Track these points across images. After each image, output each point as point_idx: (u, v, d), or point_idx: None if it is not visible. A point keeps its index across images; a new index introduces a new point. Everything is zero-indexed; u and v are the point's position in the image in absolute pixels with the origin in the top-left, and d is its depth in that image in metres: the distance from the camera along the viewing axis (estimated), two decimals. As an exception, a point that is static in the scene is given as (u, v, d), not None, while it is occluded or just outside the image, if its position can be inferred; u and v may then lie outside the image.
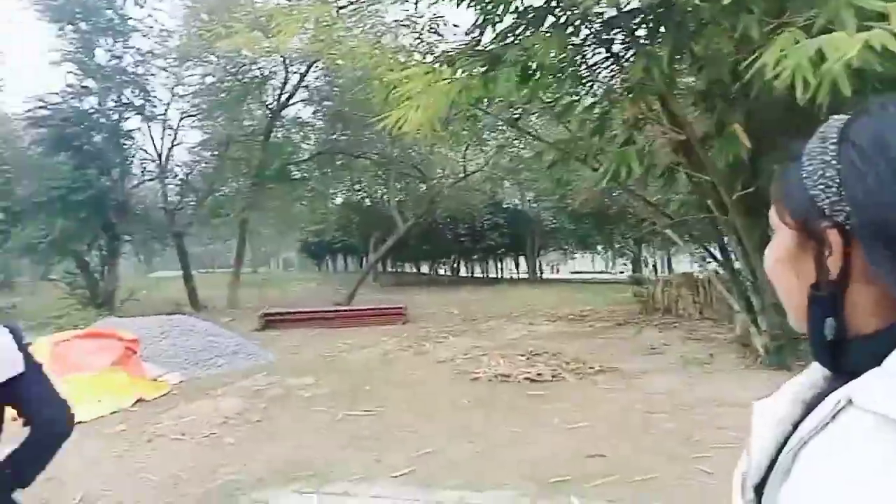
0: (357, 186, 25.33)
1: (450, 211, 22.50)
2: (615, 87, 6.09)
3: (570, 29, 5.41)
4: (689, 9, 4.47)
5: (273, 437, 5.59)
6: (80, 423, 6.13)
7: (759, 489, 0.65)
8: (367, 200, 26.21)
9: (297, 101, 19.40)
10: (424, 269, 40.75)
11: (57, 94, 17.42)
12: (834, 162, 0.58)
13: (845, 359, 0.60)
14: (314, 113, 20.14)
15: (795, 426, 0.63)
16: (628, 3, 6.12)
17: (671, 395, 6.37)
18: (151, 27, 18.07)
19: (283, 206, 22.79)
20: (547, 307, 15.68)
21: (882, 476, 0.49)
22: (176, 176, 20.39)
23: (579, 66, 6.09)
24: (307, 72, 18.01)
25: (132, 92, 18.65)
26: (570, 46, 5.48)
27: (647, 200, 7.15)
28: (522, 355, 8.51)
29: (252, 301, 19.51)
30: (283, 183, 19.79)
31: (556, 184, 13.49)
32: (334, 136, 19.70)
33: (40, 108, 17.04)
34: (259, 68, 17.77)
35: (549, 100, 6.83)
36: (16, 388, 1.51)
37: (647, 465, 4.42)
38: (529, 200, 29.66)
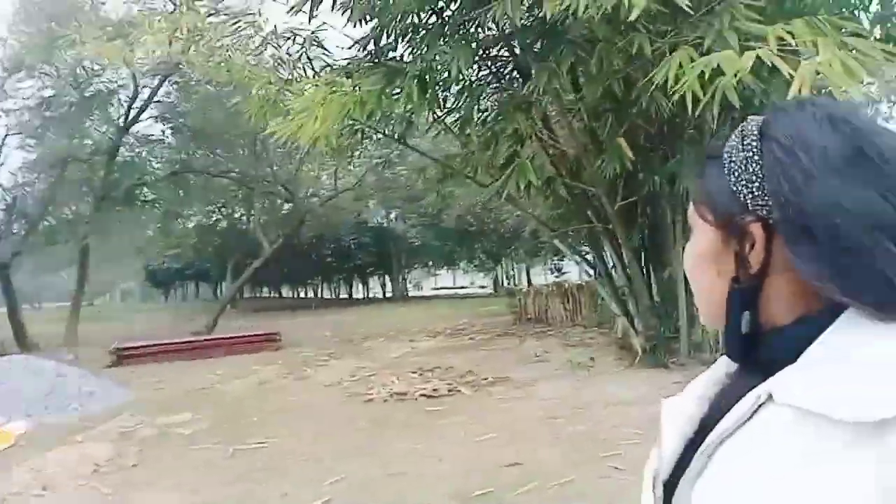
0: (210, 208, 23.87)
1: (316, 231, 21.91)
2: (505, 101, 6.25)
3: (465, 42, 5.49)
4: (586, 26, 4.71)
5: (157, 482, 5.01)
6: None
7: (669, 486, 0.65)
8: (223, 222, 24.77)
9: (149, 118, 17.94)
10: (285, 292, 39.34)
11: None
12: (756, 157, 0.60)
13: (758, 352, 0.62)
14: (166, 130, 18.72)
15: (702, 423, 0.65)
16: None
17: (564, 399, 6.59)
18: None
19: (131, 231, 20.88)
20: (421, 323, 15.71)
21: (801, 469, 0.51)
22: (13, 198, 17.86)
23: (467, 80, 6.20)
24: (160, 85, 16.73)
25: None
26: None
27: (532, 213, 7.41)
28: (414, 372, 8.42)
29: (93, 337, 17.53)
30: (131, 205, 18.11)
31: (439, 200, 13.62)
32: (189, 155, 18.41)
33: None
34: (104, 81, 16.20)
35: (440, 115, 6.88)
36: None
37: (562, 469, 4.50)
38: (395, 218, 29.73)
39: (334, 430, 6.16)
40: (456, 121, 6.87)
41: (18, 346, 16.56)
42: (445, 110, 6.98)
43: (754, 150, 0.60)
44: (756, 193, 0.59)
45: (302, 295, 37.36)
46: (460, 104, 6.54)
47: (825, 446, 0.50)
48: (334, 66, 7.68)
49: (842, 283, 0.54)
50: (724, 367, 0.69)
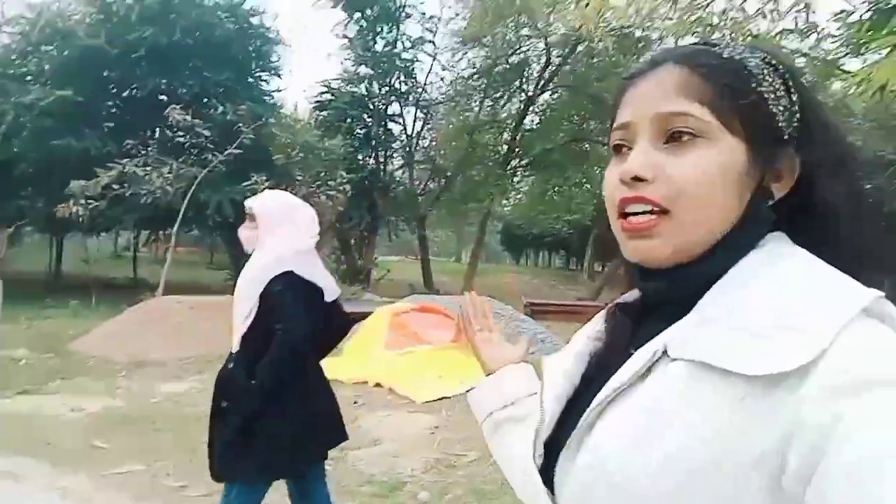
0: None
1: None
2: None
3: None
4: None
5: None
6: (429, 402, 5.67)
7: (551, 445, 0.63)
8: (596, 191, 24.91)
9: (553, 87, 18.79)
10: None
11: (339, 79, 18.53)
12: (790, 92, 0.58)
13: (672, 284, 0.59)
14: (563, 97, 19.38)
15: (585, 379, 0.65)
16: None
17: None
18: (424, 14, 18.61)
19: (531, 194, 22.45)
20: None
21: (697, 421, 0.50)
22: (432, 160, 20.77)
23: None
24: (570, 54, 17.30)
25: (398, 77, 19.37)
26: None
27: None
28: None
29: (483, 290, 19.31)
30: (535, 171, 19.37)
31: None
32: (586, 124, 18.82)
33: (325, 92, 18.19)
34: (523, 51, 17.43)
35: None
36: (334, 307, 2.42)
37: None
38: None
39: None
40: None
41: (427, 289, 19.21)
42: None
43: (779, 83, 0.58)
44: (795, 126, 0.58)
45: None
46: None
47: (720, 400, 0.49)
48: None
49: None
50: (600, 322, 0.68)
